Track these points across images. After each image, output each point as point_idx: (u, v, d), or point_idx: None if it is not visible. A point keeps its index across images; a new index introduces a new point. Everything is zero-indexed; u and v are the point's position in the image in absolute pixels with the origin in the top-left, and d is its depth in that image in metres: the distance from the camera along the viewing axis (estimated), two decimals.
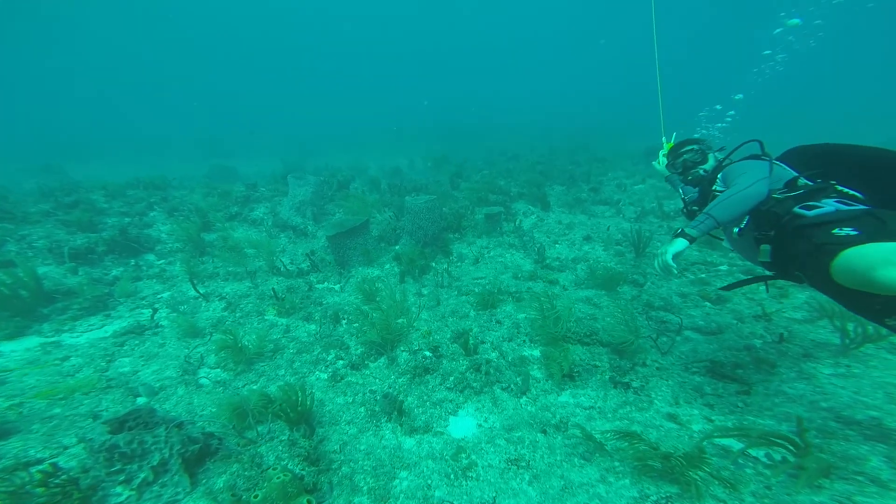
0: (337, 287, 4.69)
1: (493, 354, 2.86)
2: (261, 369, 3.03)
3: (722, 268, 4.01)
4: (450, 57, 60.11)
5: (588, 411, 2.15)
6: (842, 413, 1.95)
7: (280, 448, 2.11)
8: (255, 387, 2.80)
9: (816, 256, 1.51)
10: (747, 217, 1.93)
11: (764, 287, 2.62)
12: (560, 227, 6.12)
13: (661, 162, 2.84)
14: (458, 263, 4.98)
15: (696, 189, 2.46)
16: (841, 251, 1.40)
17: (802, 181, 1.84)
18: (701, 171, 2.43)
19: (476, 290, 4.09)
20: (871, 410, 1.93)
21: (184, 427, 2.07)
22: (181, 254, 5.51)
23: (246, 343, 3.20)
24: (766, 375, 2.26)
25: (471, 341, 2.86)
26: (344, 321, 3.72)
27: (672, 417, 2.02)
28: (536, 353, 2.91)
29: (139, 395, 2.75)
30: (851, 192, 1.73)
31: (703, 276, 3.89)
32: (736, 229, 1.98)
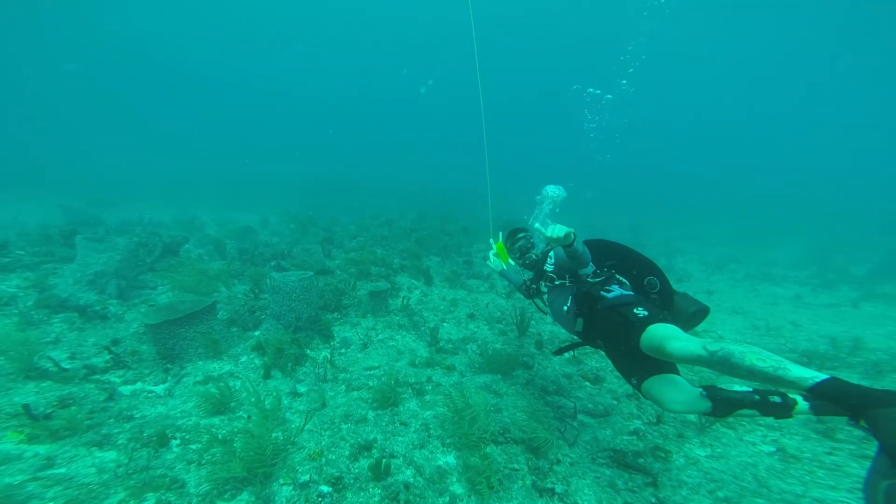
0: (160, 390, 3.46)
1: (409, 472, 2.50)
2: None
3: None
4: (307, 105, 60.17)
5: None
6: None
7: None
8: None
9: (630, 329, 2.13)
10: (570, 297, 2.65)
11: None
12: (445, 304, 6.36)
13: (494, 262, 3.47)
14: (343, 350, 4.46)
15: (532, 271, 3.17)
16: (647, 326, 2.04)
17: (598, 270, 2.67)
18: (533, 256, 3.12)
19: (371, 383, 3.67)
20: (758, 499, 2.41)
21: None
22: None
23: None
24: (664, 463, 2.66)
25: (382, 461, 2.45)
26: (176, 442, 2.68)
27: None
28: (451, 459, 2.69)
29: None
30: (623, 280, 2.58)
31: (573, 353, 4.60)
32: (564, 307, 2.66)
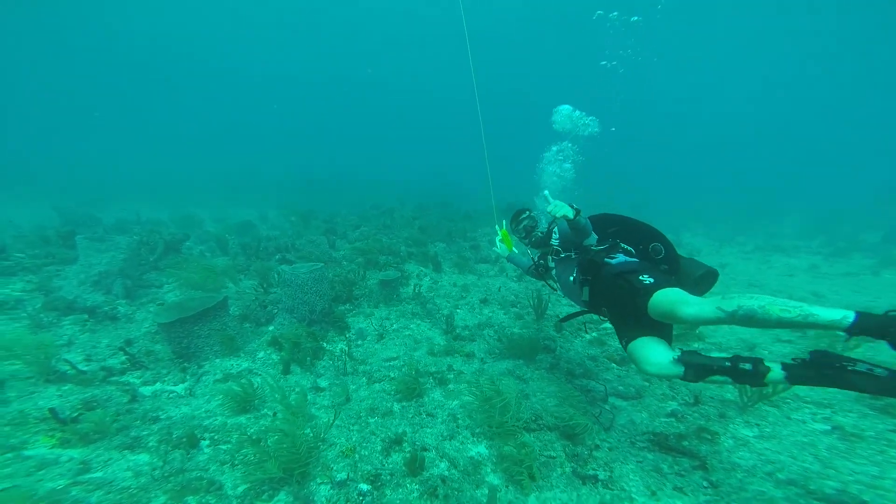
0: (181, 389, 3.42)
1: (443, 465, 2.46)
2: None
3: (606, 325, 4.81)
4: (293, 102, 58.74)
5: None
6: (809, 487, 2.21)
7: None
8: None
9: (635, 295, 2.16)
10: (576, 268, 2.73)
11: None
12: (456, 290, 6.29)
13: (500, 247, 3.69)
14: (359, 342, 4.40)
15: (538, 249, 3.28)
16: (654, 293, 2.06)
17: (602, 239, 2.77)
18: (538, 233, 3.25)
19: (392, 374, 3.63)
20: (828, 480, 2.27)
21: None
22: None
23: None
24: (711, 445, 2.58)
25: (417, 453, 2.41)
26: (205, 442, 2.64)
27: None
28: (483, 449, 2.66)
29: None
30: (627, 247, 2.64)
31: (595, 334, 4.56)
32: (571, 277, 2.76)
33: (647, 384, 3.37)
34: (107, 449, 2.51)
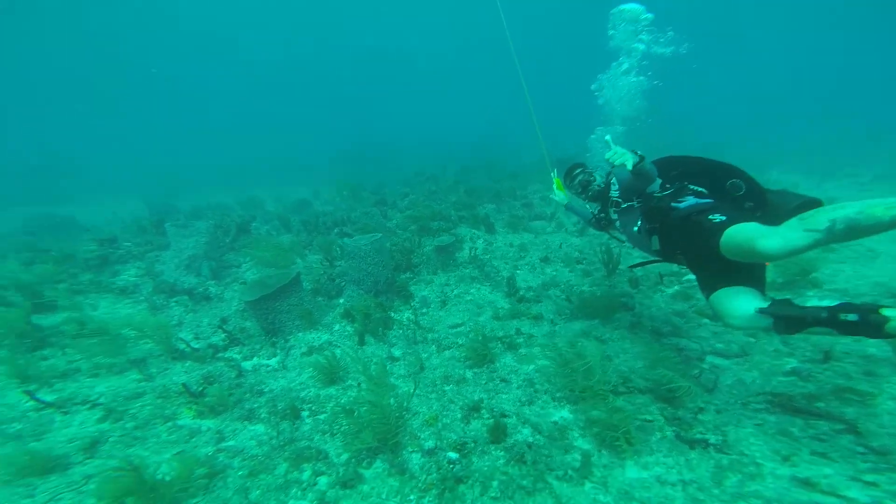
0: (274, 363, 3.70)
1: (526, 431, 2.41)
2: None
3: (690, 276, 4.34)
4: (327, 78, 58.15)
5: (684, 490, 1.86)
6: None
7: None
8: None
9: (706, 237, 1.96)
10: (640, 217, 2.55)
11: None
12: (513, 251, 6.07)
13: (557, 195, 3.50)
14: (424, 310, 4.43)
15: (597, 203, 3.11)
16: (724, 230, 1.87)
17: (667, 184, 2.55)
18: (596, 187, 3.10)
19: (460, 341, 3.61)
20: None
21: None
22: None
23: (158, 474, 2.17)
24: (861, 407, 2.19)
25: (498, 420, 2.37)
26: (305, 413, 2.84)
27: (808, 484, 1.77)
28: (566, 413, 2.56)
29: None
30: (698, 189, 2.41)
31: (677, 287, 4.14)
32: (635, 228, 2.59)
33: (752, 340, 2.98)
34: (231, 420, 2.80)
